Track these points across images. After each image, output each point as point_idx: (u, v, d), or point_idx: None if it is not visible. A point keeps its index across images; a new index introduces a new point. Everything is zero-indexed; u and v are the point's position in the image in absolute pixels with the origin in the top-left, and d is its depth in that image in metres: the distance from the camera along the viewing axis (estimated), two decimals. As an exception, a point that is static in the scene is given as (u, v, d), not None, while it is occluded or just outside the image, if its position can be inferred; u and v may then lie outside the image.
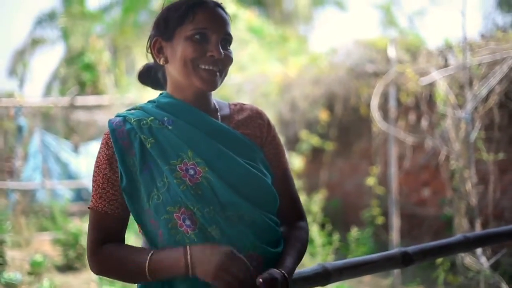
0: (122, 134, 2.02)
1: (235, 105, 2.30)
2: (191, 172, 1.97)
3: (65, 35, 20.88)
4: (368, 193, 9.66)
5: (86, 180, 13.56)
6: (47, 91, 20.31)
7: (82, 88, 14.04)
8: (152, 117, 2.06)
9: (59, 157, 13.53)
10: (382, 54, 8.78)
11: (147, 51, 2.20)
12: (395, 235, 7.99)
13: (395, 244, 7.92)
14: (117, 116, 2.11)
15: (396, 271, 7.77)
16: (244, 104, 2.31)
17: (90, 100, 13.28)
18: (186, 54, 2.01)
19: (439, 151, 7.17)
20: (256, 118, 2.26)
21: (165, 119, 2.06)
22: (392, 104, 8.09)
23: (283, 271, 1.96)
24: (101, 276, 7.97)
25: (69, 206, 12.35)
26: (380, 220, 8.88)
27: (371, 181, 8.71)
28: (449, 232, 7.18)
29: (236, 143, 2.11)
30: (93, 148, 14.47)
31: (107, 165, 2.02)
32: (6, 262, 8.28)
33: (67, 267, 9.27)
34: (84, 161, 13.97)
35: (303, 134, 9.78)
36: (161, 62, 2.12)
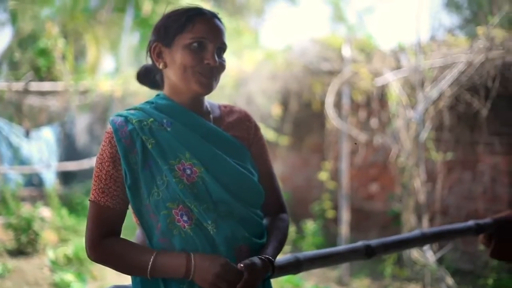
0: (125, 133, 2.15)
1: (225, 107, 2.47)
2: (188, 172, 2.14)
3: (14, 18, 20.48)
4: (317, 187, 9.86)
5: (38, 165, 13.49)
6: (-6, 74, 19.91)
7: (37, 73, 13.86)
8: (152, 119, 2.21)
9: (11, 141, 13.37)
10: (337, 52, 8.94)
11: (147, 55, 2.34)
12: (344, 228, 8.18)
13: (344, 237, 8.11)
14: (118, 115, 2.24)
15: (344, 264, 7.99)
16: (233, 107, 2.49)
17: (44, 86, 13.16)
18: (185, 62, 2.17)
19: (389, 148, 7.41)
20: (244, 120, 2.44)
21: (164, 121, 2.21)
22: (345, 102, 8.26)
23: (264, 256, 2.16)
24: (54, 261, 8.11)
25: (20, 191, 12.24)
26: (330, 214, 9.09)
27: (323, 175, 8.89)
28: (396, 226, 7.40)
29: (227, 145, 2.29)
30: (45, 134, 14.37)
31: (110, 163, 2.15)
32: (-43, 246, 8.27)
33: (19, 252, 9.23)
34: (36, 147, 13.88)
35: (258, 128, 9.91)
36: (161, 67, 2.27)
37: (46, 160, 13.81)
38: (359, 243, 3.07)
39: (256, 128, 2.48)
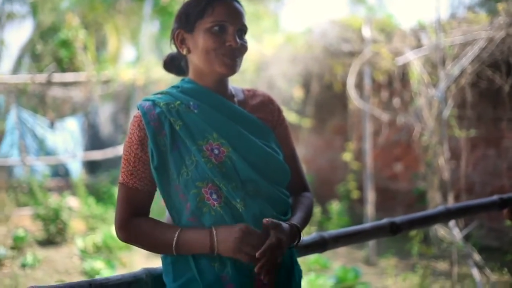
0: (153, 116, 2.19)
1: (249, 91, 2.51)
2: (216, 151, 2.17)
3: (34, 10, 20.57)
4: (341, 168, 9.89)
5: (63, 156, 13.61)
6: (17, 67, 20.03)
7: (59, 64, 13.94)
8: (178, 101, 2.24)
9: (36, 133, 13.48)
10: (357, 33, 8.92)
11: (171, 43, 2.38)
12: (369, 208, 8.21)
13: (370, 217, 8.13)
14: (145, 100, 2.28)
15: (371, 243, 8.00)
16: (256, 91, 2.53)
17: (67, 77, 13.23)
18: (207, 45, 2.20)
19: (412, 127, 7.40)
20: (268, 103, 2.48)
21: (191, 103, 2.24)
22: (367, 82, 8.27)
23: (291, 222, 2.20)
24: (83, 250, 8.21)
25: (47, 181, 12.36)
26: (355, 195, 9.11)
27: (347, 156, 8.90)
28: (421, 205, 7.39)
29: (252, 125, 2.32)
30: (69, 124, 14.49)
31: (139, 146, 2.19)
32: (-13, 237, 8.39)
33: (48, 242, 9.37)
34: (60, 137, 14.00)
35: (281, 111, 9.92)
36: (184, 52, 2.31)
37: (71, 150, 13.93)
38: (384, 220, 3.11)
39: (279, 111, 2.51)
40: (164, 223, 2.24)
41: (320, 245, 2.79)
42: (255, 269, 2.02)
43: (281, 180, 2.31)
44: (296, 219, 2.27)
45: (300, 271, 2.35)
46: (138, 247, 2.24)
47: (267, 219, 2.08)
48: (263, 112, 2.43)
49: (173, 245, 2.12)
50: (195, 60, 2.29)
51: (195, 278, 2.15)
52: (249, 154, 2.22)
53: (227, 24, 2.22)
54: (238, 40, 2.23)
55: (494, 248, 7.65)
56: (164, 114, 2.20)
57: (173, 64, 2.53)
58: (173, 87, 2.36)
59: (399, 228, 3.08)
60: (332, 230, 2.93)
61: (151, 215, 2.28)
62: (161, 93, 2.32)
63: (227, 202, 2.14)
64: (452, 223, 6.26)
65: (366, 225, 3.08)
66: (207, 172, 2.13)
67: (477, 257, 6.19)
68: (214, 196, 2.13)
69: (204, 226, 2.14)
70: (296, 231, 2.20)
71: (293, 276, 2.27)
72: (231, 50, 2.22)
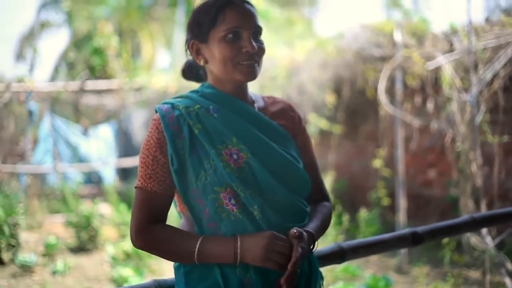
0: (172, 119, 2.16)
1: (268, 98, 2.46)
2: (235, 156, 2.13)
3: (70, 19, 20.82)
4: (374, 174, 9.77)
5: (96, 163, 13.69)
6: (55, 75, 20.28)
7: (92, 72, 14.07)
8: (198, 105, 2.20)
9: (69, 140, 13.59)
10: (388, 38, 8.82)
11: (186, 53, 2.35)
12: (401, 216, 8.08)
13: (402, 224, 8.02)
14: (164, 103, 2.24)
15: (403, 251, 7.88)
16: (276, 98, 2.49)
17: (100, 84, 13.33)
18: (224, 55, 2.15)
19: (445, 133, 7.28)
20: (288, 110, 2.44)
21: (211, 107, 2.20)
22: (398, 87, 8.16)
23: (306, 229, 2.14)
24: (114, 257, 8.21)
25: (80, 188, 12.46)
26: (386, 202, 8.99)
27: (377, 163, 8.79)
28: (455, 213, 7.28)
29: (273, 132, 2.27)
30: (102, 132, 14.58)
31: (157, 148, 2.14)
32: (20, 244, 8.45)
33: (79, 249, 9.40)
34: (94, 145, 14.10)
35: (311, 117, 9.85)
36: (202, 63, 2.27)
37: (104, 157, 14.01)
38: (406, 230, 3.03)
39: (300, 119, 2.47)
40: (184, 231, 2.19)
41: (338, 256, 2.72)
42: (281, 280, 1.99)
43: (301, 188, 2.25)
44: (311, 227, 2.21)
45: (319, 278, 2.28)
46: (156, 254, 2.18)
47: (295, 229, 2.04)
48: (283, 119, 2.39)
49: (195, 253, 2.07)
50: (213, 69, 2.25)
51: None
52: (269, 161, 2.17)
53: (241, 30, 2.17)
54: (254, 44, 2.18)
55: (530, 256, 7.49)
56: (183, 117, 2.17)
57: (191, 72, 2.52)
58: (192, 91, 2.33)
59: (421, 238, 2.99)
60: (351, 241, 2.85)
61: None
62: (181, 96, 2.30)
63: (245, 208, 2.09)
64: (484, 230, 6.13)
65: (386, 235, 3.00)
66: (226, 177, 2.09)
67: (510, 266, 6.05)
68: (233, 201, 2.08)
69: (223, 231, 2.09)
70: (311, 239, 2.14)
71: (312, 283, 2.21)
72: (249, 56, 2.18)
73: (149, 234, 2.14)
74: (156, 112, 2.21)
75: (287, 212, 2.15)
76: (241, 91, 2.30)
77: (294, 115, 2.44)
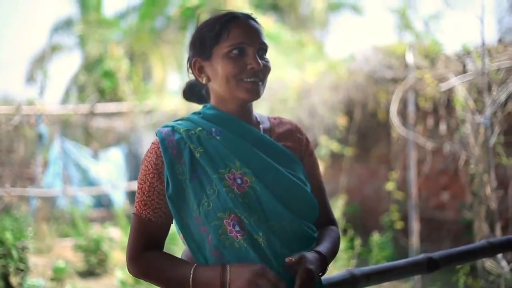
0: (172, 143, 2.09)
1: (275, 118, 2.39)
2: (239, 181, 2.05)
3: (82, 42, 20.94)
4: (387, 198, 9.67)
5: (106, 186, 13.66)
6: (66, 98, 20.38)
7: (102, 95, 14.13)
8: (200, 128, 2.13)
9: (79, 163, 13.61)
10: (400, 60, 8.78)
11: (188, 71, 2.28)
12: (415, 240, 7.99)
13: (415, 248, 7.92)
14: (165, 126, 2.18)
15: (417, 276, 7.77)
16: (282, 118, 2.41)
17: (110, 107, 13.35)
18: (227, 71, 2.08)
19: (458, 155, 7.19)
20: (295, 132, 2.35)
21: (213, 129, 2.13)
22: (411, 109, 8.11)
23: (315, 250, 2.07)
24: (123, 282, 8.14)
25: (89, 212, 12.47)
26: (399, 225, 8.88)
27: (390, 186, 8.71)
28: (469, 236, 7.17)
29: (279, 154, 2.19)
30: (113, 155, 14.58)
31: (154, 174, 2.08)
32: (28, 268, 8.37)
33: (88, 273, 9.36)
34: (104, 168, 14.08)
35: (322, 139, 9.79)
36: (204, 81, 2.19)
37: (114, 180, 13.99)
38: (421, 256, 2.94)
39: (308, 141, 2.39)
40: (178, 258, 2.13)
41: (350, 283, 2.62)
42: None
43: (308, 213, 2.18)
44: (322, 248, 2.13)
45: None
46: (150, 282, 2.11)
47: (289, 258, 1.95)
48: (290, 141, 2.31)
49: (190, 282, 1.99)
50: (216, 88, 2.18)
51: None
52: (275, 185, 2.09)
53: (245, 46, 2.11)
54: (259, 61, 2.10)
55: (547, 281, 7.35)
56: (183, 140, 2.10)
57: (193, 92, 2.44)
58: (194, 113, 2.25)
59: (437, 264, 2.89)
60: (364, 267, 2.75)
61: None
62: (182, 119, 2.23)
63: (249, 235, 2.02)
64: (500, 254, 6.02)
65: (402, 261, 2.90)
66: (229, 203, 2.02)
67: (526, 291, 5.93)
68: (237, 228, 2.02)
69: (227, 260, 2.02)
70: (322, 259, 2.06)
71: None
72: (254, 73, 2.11)
73: (143, 261, 2.09)
74: (156, 135, 2.15)
75: (294, 239, 2.08)
76: (245, 111, 2.23)
77: (301, 137, 2.36)
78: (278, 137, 2.29)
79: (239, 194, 2.03)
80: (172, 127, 2.15)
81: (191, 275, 2.00)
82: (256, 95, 2.13)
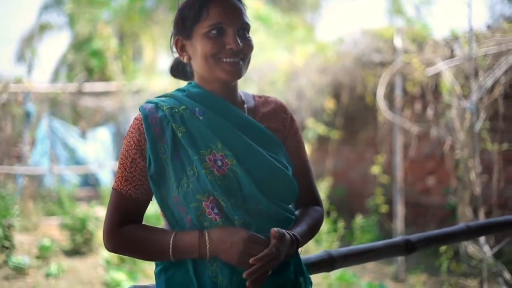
0: (155, 121, 2.06)
1: (260, 97, 2.35)
2: (219, 163, 2.03)
3: (72, 21, 20.80)
4: (372, 181, 9.70)
5: (93, 165, 13.65)
6: (55, 77, 20.26)
7: (90, 74, 14.07)
8: (183, 106, 2.10)
9: (67, 142, 13.59)
10: (389, 44, 8.79)
11: (171, 50, 2.25)
12: (399, 223, 8.04)
13: (399, 232, 7.96)
14: (148, 102, 2.15)
15: (400, 259, 7.81)
16: (268, 97, 2.37)
17: (98, 86, 13.30)
18: (206, 51, 2.06)
19: (444, 140, 7.22)
20: (280, 112, 2.32)
21: (196, 109, 2.10)
22: (398, 93, 8.12)
23: (291, 232, 2.05)
24: (108, 260, 8.14)
25: (76, 191, 12.44)
26: (384, 209, 8.91)
27: (376, 169, 8.73)
28: (454, 221, 7.21)
29: (262, 136, 2.17)
30: (100, 134, 14.55)
31: (137, 151, 2.06)
32: (14, 246, 8.39)
33: (74, 252, 9.33)
34: (91, 147, 14.06)
35: (310, 122, 9.79)
36: (185, 60, 2.17)
37: (101, 160, 13.97)
38: (399, 238, 2.96)
39: (292, 120, 2.36)
40: (157, 227, 2.12)
41: (328, 264, 2.63)
42: (244, 274, 1.90)
43: (287, 197, 2.16)
44: (298, 230, 2.12)
45: (306, 285, 2.20)
46: (130, 256, 2.12)
47: (276, 229, 1.95)
48: (274, 121, 2.29)
49: (170, 249, 1.99)
50: (196, 67, 2.16)
51: None
52: (255, 168, 2.07)
53: (225, 26, 2.08)
54: (239, 41, 2.08)
55: (529, 266, 7.41)
56: (167, 119, 2.07)
57: (178, 69, 2.39)
58: (178, 90, 2.22)
59: (414, 246, 2.91)
60: (342, 248, 2.77)
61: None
62: (166, 95, 2.19)
63: (227, 218, 2.01)
64: (482, 239, 6.06)
65: (379, 242, 2.93)
66: (208, 185, 1.99)
67: (507, 275, 5.97)
68: (216, 211, 2.00)
69: None
70: (294, 241, 2.04)
71: None
72: (233, 53, 2.08)
73: (121, 236, 2.06)
74: (140, 111, 2.11)
75: (271, 222, 2.06)
76: (230, 91, 2.19)
77: (285, 116, 2.33)
78: (262, 117, 2.26)
79: (219, 177, 2.01)
80: (156, 103, 2.12)
81: (171, 241, 1.99)
82: (237, 75, 2.11)
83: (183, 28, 2.14)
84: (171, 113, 2.07)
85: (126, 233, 2.06)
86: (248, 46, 2.13)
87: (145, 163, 2.06)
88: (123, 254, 2.12)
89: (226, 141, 2.07)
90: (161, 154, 2.05)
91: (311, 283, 2.22)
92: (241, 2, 2.17)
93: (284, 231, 1.99)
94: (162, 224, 2.26)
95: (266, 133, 2.19)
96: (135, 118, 2.11)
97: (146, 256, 2.10)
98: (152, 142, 2.04)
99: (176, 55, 2.26)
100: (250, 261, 1.89)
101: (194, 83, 2.21)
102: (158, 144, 2.05)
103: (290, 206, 2.21)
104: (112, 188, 2.10)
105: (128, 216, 2.08)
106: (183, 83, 2.36)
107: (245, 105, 2.25)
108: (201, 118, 2.09)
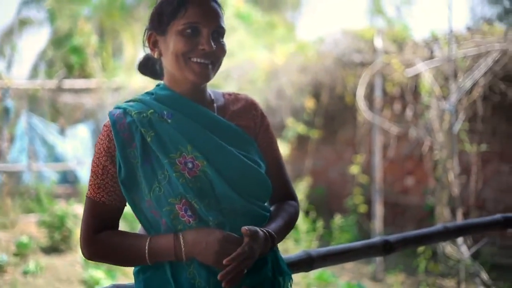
0: (123, 126, 2.05)
1: (230, 95, 2.33)
2: (190, 165, 2.02)
3: (52, 17, 20.64)
4: (351, 181, 9.73)
5: (72, 162, 13.58)
6: (34, 73, 20.11)
7: (70, 71, 13.99)
8: (151, 110, 2.09)
9: (46, 139, 13.50)
10: (369, 44, 8.81)
11: (144, 45, 2.23)
12: (378, 223, 8.06)
13: (378, 232, 7.99)
14: (117, 108, 2.13)
15: (379, 259, 7.84)
16: (238, 94, 2.35)
17: (78, 83, 13.24)
18: (177, 48, 2.05)
19: (423, 141, 7.26)
20: (250, 109, 2.30)
21: (165, 112, 2.09)
22: (377, 94, 8.14)
23: (265, 229, 2.05)
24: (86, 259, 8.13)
25: (55, 188, 12.38)
26: (362, 209, 8.94)
27: (354, 169, 8.76)
28: (432, 222, 7.25)
29: (232, 135, 2.16)
30: (80, 131, 14.48)
31: (107, 158, 2.05)
32: (-9, 242, 8.34)
33: (52, 249, 9.28)
34: (70, 144, 13.99)
35: (289, 121, 9.79)
36: (156, 56, 2.15)
37: (80, 157, 13.90)
38: (377, 238, 2.97)
39: (263, 116, 2.34)
40: (132, 233, 2.13)
41: (307, 263, 2.64)
42: (218, 276, 1.90)
43: (261, 194, 2.16)
44: (273, 227, 2.12)
45: (284, 283, 2.18)
46: (108, 263, 2.12)
47: (246, 227, 1.94)
48: (245, 119, 2.27)
49: (146, 253, 2.00)
50: (166, 64, 2.14)
51: None
52: (226, 168, 2.07)
53: (200, 26, 2.06)
54: (212, 43, 2.07)
55: (506, 266, 7.46)
56: (135, 124, 2.06)
57: (147, 66, 2.37)
58: (147, 93, 2.20)
59: (392, 247, 2.92)
60: (321, 248, 2.77)
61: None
62: (134, 100, 2.17)
63: (201, 220, 2.01)
64: (460, 240, 6.10)
65: (358, 243, 2.93)
66: (180, 188, 1.99)
67: (485, 276, 6.02)
68: (189, 213, 2.00)
69: None
70: (268, 238, 2.04)
71: None
72: (205, 55, 2.06)
73: (98, 243, 2.07)
74: (108, 117, 2.10)
75: (245, 220, 2.06)
76: (198, 91, 2.18)
77: (256, 113, 2.31)
78: (232, 115, 2.25)
79: (190, 179, 2.01)
80: (124, 109, 2.10)
81: (147, 246, 2.00)
82: (205, 78, 2.09)
83: (159, 24, 2.12)
84: (139, 118, 2.06)
85: (102, 240, 2.06)
86: (221, 50, 2.12)
87: (116, 169, 2.05)
88: (101, 261, 2.13)
89: (195, 143, 2.06)
90: (131, 159, 2.04)
91: (291, 279, 2.22)
92: (220, 6, 2.16)
93: (256, 228, 1.99)
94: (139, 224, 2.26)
95: (237, 132, 2.19)
96: (104, 125, 2.10)
97: (123, 262, 2.12)
98: (122, 148, 2.04)
99: (149, 50, 2.24)
100: (224, 261, 1.89)
101: (163, 84, 2.20)
102: (128, 150, 2.04)
103: (266, 204, 2.21)
104: (86, 196, 2.10)
105: (104, 223, 2.08)
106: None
107: (215, 104, 2.24)
108: (169, 121, 2.08)
